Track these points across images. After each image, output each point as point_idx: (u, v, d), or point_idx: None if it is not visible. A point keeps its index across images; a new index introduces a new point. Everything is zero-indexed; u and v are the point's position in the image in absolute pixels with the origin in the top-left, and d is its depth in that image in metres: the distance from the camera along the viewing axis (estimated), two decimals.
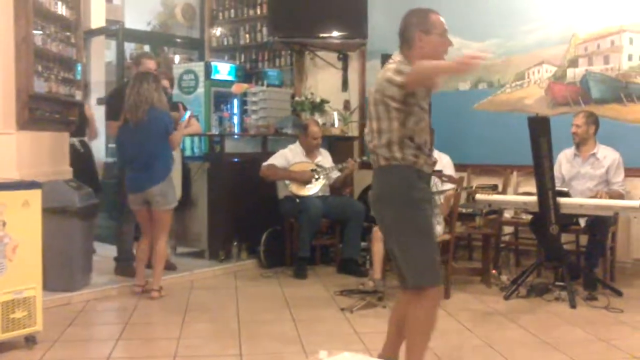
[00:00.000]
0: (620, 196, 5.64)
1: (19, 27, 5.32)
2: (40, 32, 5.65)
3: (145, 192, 5.27)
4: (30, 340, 4.10)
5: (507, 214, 6.31)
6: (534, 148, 5.30)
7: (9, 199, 3.99)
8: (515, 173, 6.78)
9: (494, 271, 5.99)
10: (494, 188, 6.54)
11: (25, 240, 4.04)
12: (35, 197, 4.14)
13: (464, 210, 5.98)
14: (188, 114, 5.76)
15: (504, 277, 5.85)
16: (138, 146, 5.29)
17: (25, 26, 5.34)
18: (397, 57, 3.23)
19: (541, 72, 6.76)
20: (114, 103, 5.99)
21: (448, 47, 3.26)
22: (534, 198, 5.41)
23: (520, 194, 6.27)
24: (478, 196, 5.72)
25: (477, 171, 7.03)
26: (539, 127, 5.29)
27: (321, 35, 7.65)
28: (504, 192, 6.62)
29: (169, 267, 6.13)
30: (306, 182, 6.44)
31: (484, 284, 5.86)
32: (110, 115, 6.04)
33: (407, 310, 3.25)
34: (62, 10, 6.05)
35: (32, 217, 4.12)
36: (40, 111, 5.61)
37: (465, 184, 6.05)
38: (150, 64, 6.01)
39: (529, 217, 5.85)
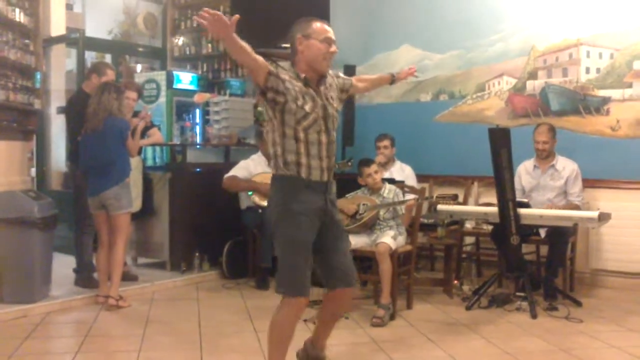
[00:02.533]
0: (576, 208, 5.69)
1: None
2: None
3: (100, 196, 5.32)
4: None
5: (469, 225, 6.35)
6: (495, 159, 5.35)
7: None
8: (476, 183, 6.83)
9: (456, 282, 6.03)
10: (454, 198, 6.61)
11: None
12: None
13: (425, 221, 6.02)
14: (143, 108, 5.78)
15: (465, 288, 5.91)
16: (95, 152, 5.36)
17: None
18: (288, 67, 3.37)
19: (501, 84, 6.84)
20: (73, 113, 5.92)
21: (331, 54, 3.33)
22: (495, 209, 5.45)
23: (481, 205, 6.33)
24: (440, 207, 5.75)
25: (439, 182, 7.08)
26: (500, 138, 5.35)
27: (283, 45, 7.63)
28: (465, 202, 6.67)
29: (130, 277, 6.06)
30: (268, 192, 6.40)
31: (446, 295, 5.88)
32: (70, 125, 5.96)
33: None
34: (19, 17, 5.99)
35: None
36: None
37: (427, 195, 6.09)
38: (112, 75, 5.99)
39: (490, 227, 5.90)
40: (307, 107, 3.26)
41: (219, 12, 2.88)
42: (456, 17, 7.11)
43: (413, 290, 5.56)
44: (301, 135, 3.26)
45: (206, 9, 2.89)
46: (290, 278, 3.29)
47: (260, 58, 3.16)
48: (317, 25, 3.34)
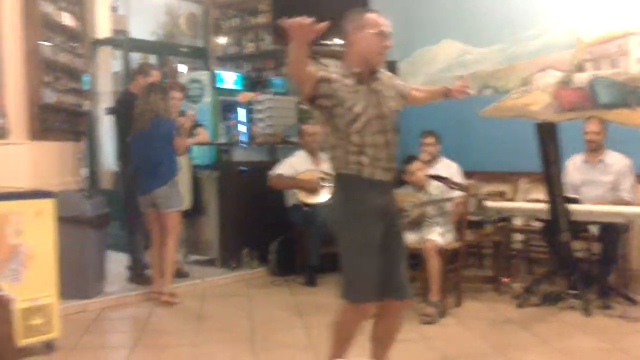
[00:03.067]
0: (627, 204, 5.50)
1: (27, 39, 5.38)
2: (48, 43, 5.69)
3: (150, 195, 5.42)
4: (49, 347, 4.15)
5: (517, 222, 6.30)
6: (542, 154, 5.29)
7: (23, 208, 4.02)
8: (523, 180, 6.77)
9: (505, 279, 5.97)
10: (501, 195, 6.55)
11: (40, 248, 4.07)
12: (48, 206, 4.16)
13: (473, 218, 5.98)
14: (188, 107, 5.86)
15: (515, 285, 5.82)
16: (144, 152, 5.44)
17: (33, 38, 5.39)
18: (340, 64, 3.21)
19: (546, 78, 6.76)
20: (120, 113, 6.03)
21: (385, 48, 3.16)
22: (544, 205, 5.40)
23: (530, 201, 6.27)
24: (487, 203, 5.71)
25: (485, 178, 7.02)
26: (547, 133, 5.29)
27: (324, 42, 7.66)
28: (512, 199, 6.60)
29: (182, 274, 6.16)
30: (314, 190, 6.44)
31: (495, 292, 5.84)
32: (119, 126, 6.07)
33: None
34: (68, 21, 6.09)
35: (46, 226, 4.14)
36: (50, 121, 5.65)
37: (473, 191, 6.05)
38: (157, 75, 6.09)
39: (540, 224, 5.84)
40: (357, 109, 3.07)
41: (309, 20, 2.76)
42: (498, 10, 7.04)
43: (462, 287, 5.54)
44: (355, 138, 3.08)
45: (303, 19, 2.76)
46: (354, 282, 3.10)
47: (311, 67, 3.01)
48: (371, 16, 3.17)
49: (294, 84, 8.29)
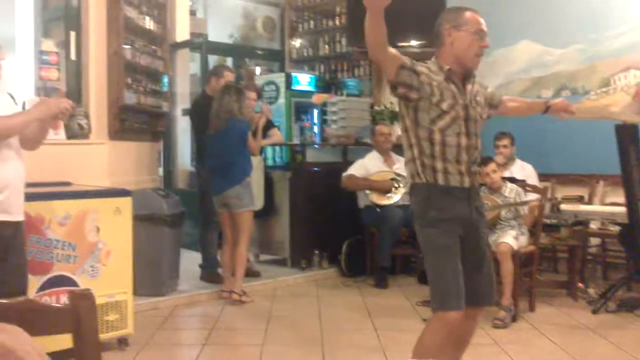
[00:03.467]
0: None
1: (110, 42, 5.56)
2: (130, 46, 5.87)
3: (223, 194, 5.51)
4: (122, 342, 4.27)
5: (594, 225, 6.14)
6: (622, 157, 5.15)
7: (102, 206, 4.15)
8: (601, 182, 6.59)
9: (580, 284, 5.82)
10: (579, 199, 6.38)
11: (117, 246, 4.19)
12: (126, 204, 4.29)
13: (548, 221, 5.85)
14: (261, 103, 5.94)
15: (591, 291, 5.67)
16: (218, 152, 5.54)
17: (116, 41, 5.58)
18: (431, 60, 3.06)
19: (628, 78, 6.57)
20: (196, 114, 6.17)
21: (482, 48, 3.00)
22: (623, 209, 5.25)
23: (608, 205, 6.10)
24: (563, 206, 5.59)
25: (562, 181, 6.87)
26: (627, 135, 5.15)
27: (400, 44, 7.64)
28: (590, 202, 6.45)
29: (253, 274, 6.24)
30: (386, 191, 6.43)
31: (570, 297, 5.70)
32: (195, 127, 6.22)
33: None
34: (149, 25, 6.28)
35: (124, 224, 4.26)
36: (129, 122, 5.82)
37: (549, 194, 5.92)
38: (231, 76, 6.20)
39: (617, 228, 5.68)
40: (445, 105, 2.93)
41: None
42: (579, 9, 6.88)
43: (535, 291, 5.43)
44: (437, 136, 2.93)
45: None
46: (440, 290, 3.00)
47: (393, 50, 2.87)
48: (469, 14, 3.00)
49: (369, 84, 8.32)
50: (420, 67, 2.94)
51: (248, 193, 5.56)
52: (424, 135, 2.95)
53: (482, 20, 3.02)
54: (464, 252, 3.02)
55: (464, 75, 3.03)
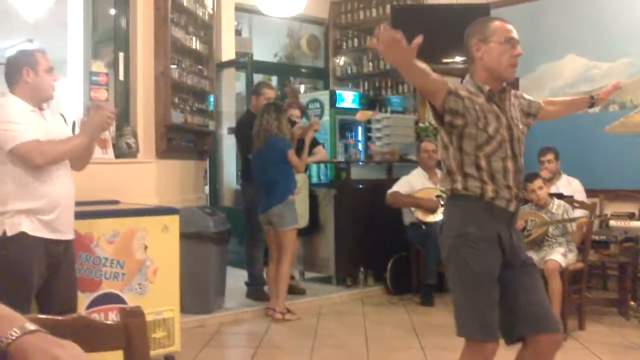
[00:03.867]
0: None
1: (158, 62, 5.65)
2: (177, 66, 5.96)
3: (267, 213, 5.56)
4: None
5: None
6: None
7: (150, 224, 4.20)
8: None
9: (632, 302, 5.69)
10: (630, 216, 6.24)
11: (164, 263, 4.24)
12: (173, 222, 4.34)
13: (597, 238, 5.74)
14: (310, 117, 5.99)
15: None
16: (261, 171, 5.62)
17: (164, 61, 5.66)
18: (466, 79, 2.92)
19: None
20: (241, 133, 6.25)
21: (516, 57, 2.81)
22: None
23: None
24: (612, 223, 5.48)
25: (611, 196, 6.73)
26: None
27: (444, 60, 7.64)
28: None
29: (298, 291, 6.25)
30: (432, 208, 6.39)
31: (621, 316, 5.57)
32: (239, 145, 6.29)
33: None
34: (196, 45, 6.37)
35: (171, 242, 4.31)
36: (176, 141, 5.90)
37: (598, 211, 5.81)
38: (271, 93, 6.26)
39: None
40: (491, 129, 2.76)
41: (396, 34, 2.42)
42: (627, 22, 6.77)
43: (585, 309, 5.33)
44: (483, 162, 2.77)
45: (383, 25, 2.46)
46: (472, 318, 2.74)
47: (438, 77, 2.72)
48: (496, 24, 2.84)
49: (413, 101, 8.30)
50: (462, 91, 2.78)
51: (291, 211, 5.58)
52: (469, 161, 2.79)
53: (511, 28, 2.84)
54: (504, 279, 2.78)
55: (500, 91, 2.87)
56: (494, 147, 2.77)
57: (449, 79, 2.82)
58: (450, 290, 2.99)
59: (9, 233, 3.10)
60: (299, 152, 5.75)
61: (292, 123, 6.06)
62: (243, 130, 6.15)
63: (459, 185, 2.81)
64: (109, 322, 1.31)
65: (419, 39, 2.42)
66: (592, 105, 3.44)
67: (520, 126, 2.91)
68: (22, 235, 3.12)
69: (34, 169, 3.13)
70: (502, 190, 2.78)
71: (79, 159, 3.43)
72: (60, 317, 1.21)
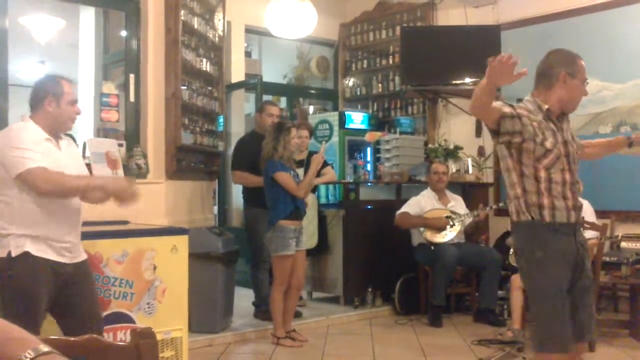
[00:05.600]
0: None
1: (168, 84, 5.70)
2: (187, 87, 6.02)
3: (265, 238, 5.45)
4: None
5: None
6: None
7: (159, 244, 4.23)
8: None
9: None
10: None
11: (173, 283, 4.26)
12: (182, 242, 4.37)
13: (608, 259, 5.73)
14: (323, 145, 5.95)
15: None
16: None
17: (174, 82, 5.71)
18: (527, 99, 3.17)
19: None
20: (238, 153, 6.28)
21: (584, 96, 3.20)
22: None
23: None
24: (623, 244, 5.47)
25: (622, 218, 6.72)
26: None
27: (454, 82, 7.68)
28: None
29: (295, 314, 6.13)
30: (441, 229, 6.40)
31: (632, 338, 5.54)
32: (235, 165, 6.30)
33: None
34: (206, 66, 6.43)
35: (180, 262, 4.34)
36: (186, 161, 5.94)
37: (608, 232, 5.80)
38: (273, 110, 6.23)
39: None
40: (548, 144, 3.04)
41: (515, 59, 2.75)
42: (637, 44, 6.79)
43: (595, 332, 5.30)
44: (542, 174, 3.04)
45: (509, 54, 2.77)
46: (545, 332, 3.04)
47: (496, 104, 2.99)
48: (582, 63, 3.19)
49: (422, 122, 8.33)
50: (520, 110, 3.04)
51: (279, 238, 5.29)
52: (529, 173, 3.05)
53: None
54: (570, 289, 3.05)
55: (560, 115, 3.16)
56: (551, 159, 3.04)
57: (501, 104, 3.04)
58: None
59: (14, 254, 3.11)
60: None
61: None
62: (238, 147, 6.28)
63: (522, 208, 3.07)
64: (120, 343, 1.34)
65: (524, 70, 2.78)
66: (630, 146, 3.60)
67: (575, 146, 3.19)
68: (27, 256, 3.12)
69: (40, 196, 3.14)
70: (559, 202, 3.03)
71: (89, 201, 3.37)
72: (72, 338, 1.24)
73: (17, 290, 3.13)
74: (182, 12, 5.80)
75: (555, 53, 3.23)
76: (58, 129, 3.33)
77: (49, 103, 3.26)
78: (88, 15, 6.62)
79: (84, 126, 5.84)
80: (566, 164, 3.07)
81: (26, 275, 3.12)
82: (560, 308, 2.99)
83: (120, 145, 5.08)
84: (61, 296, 3.26)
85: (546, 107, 3.09)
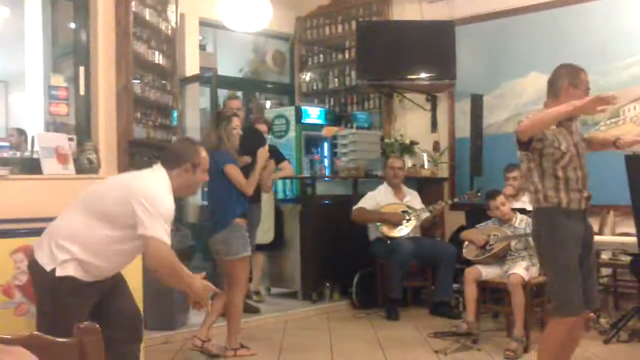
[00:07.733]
0: None
1: (119, 77, 5.60)
2: (139, 80, 5.92)
3: (211, 240, 4.84)
4: None
5: (605, 256, 6.07)
6: (633, 187, 5.13)
7: None
8: (612, 213, 6.53)
9: (592, 314, 5.75)
10: None
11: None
12: None
13: None
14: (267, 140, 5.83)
15: (603, 321, 5.60)
16: (209, 191, 5.20)
17: (125, 75, 5.62)
18: (541, 109, 3.72)
19: (637, 109, 6.55)
20: None
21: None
22: (634, 239, 5.21)
23: (618, 235, 6.05)
24: None
25: (622, 213, 6.73)
26: (637, 166, 5.12)
27: (409, 77, 7.70)
28: (600, 232, 6.38)
29: (252, 309, 6.05)
30: (397, 223, 6.41)
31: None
32: None
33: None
34: (159, 59, 6.33)
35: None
36: (139, 156, 5.84)
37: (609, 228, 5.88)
38: (233, 104, 6.01)
39: (629, 258, 5.62)
40: (563, 147, 3.56)
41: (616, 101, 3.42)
42: (588, 41, 6.88)
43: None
44: (560, 173, 3.57)
45: (613, 95, 3.38)
46: (560, 298, 3.58)
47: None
48: (584, 75, 3.68)
49: (377, 117, 8.33)
50: None
51: (237, 238, 4.74)
52: (549, 172, 3.59)
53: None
54: (581, 264, 3.59)
55: (569, 119, 3.62)
56: (567, 160, 3.58)
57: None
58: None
59: (58, 274, 3.00)
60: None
61: (260, 139, 5.72)
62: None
63: (541, 199, 3.62)
64: (62, 340, 1.28)
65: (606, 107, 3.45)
66: (617, 148, 4.04)
67: (583, 144, 3.74)
68: (70, 279, 3.02)
69: (123, 245, 3.12)
70: (574, 194, 3.59)
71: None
72: (10, 336, 1.19)
73: (54, 307, 3.02)
74: (133, 3, 5.71)
75: (561, 67, 3.75)
76: (179, 194, 3.41)
77: (187, 169, 3.30)
78: (34, 5, 6.46)
79: (33, 119, 5.71)
80: (577, 162, 3.60)
81: (65, 296, 3.01)
82: (574, 279, 3.53)
83: (70, 139, 4.95)
84: (101, 303, 3.20)
85: None
